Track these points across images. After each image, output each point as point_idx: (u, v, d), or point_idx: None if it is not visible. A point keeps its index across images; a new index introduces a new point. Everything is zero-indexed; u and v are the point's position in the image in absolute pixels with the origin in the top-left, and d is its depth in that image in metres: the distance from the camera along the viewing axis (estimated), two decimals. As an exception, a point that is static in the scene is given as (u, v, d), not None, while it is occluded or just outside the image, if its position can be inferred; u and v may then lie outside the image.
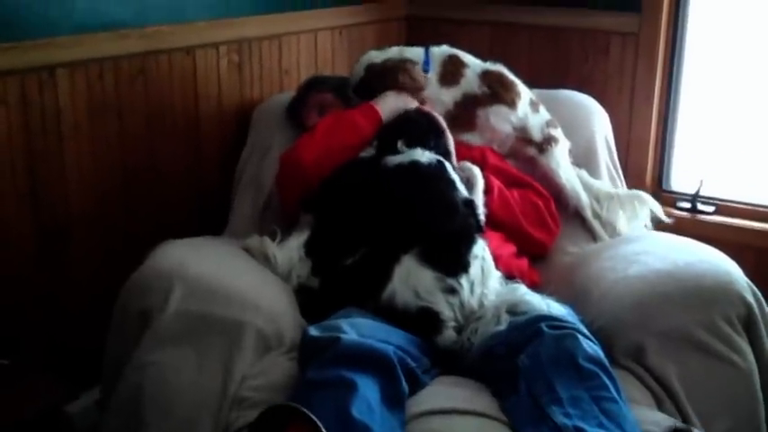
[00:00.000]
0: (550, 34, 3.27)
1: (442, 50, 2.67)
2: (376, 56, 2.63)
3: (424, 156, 2.24)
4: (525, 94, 2.68)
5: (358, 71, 2.62)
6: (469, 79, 2.63)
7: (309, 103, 2.65)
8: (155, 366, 1.86)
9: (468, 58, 2.68)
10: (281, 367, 1.91)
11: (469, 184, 2.35)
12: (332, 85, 2.69)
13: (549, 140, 2.65)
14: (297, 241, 2.28)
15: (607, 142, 2.87)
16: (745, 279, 2.05)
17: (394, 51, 2.64)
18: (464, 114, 2.54)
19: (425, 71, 2.61)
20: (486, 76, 2.64)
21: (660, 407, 1.90)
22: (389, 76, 2.54)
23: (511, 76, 2.69)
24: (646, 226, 2.68)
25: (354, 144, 2.40)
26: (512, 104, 2.63)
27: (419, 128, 2.37)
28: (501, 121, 2.62)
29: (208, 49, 2.74)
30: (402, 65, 2.57)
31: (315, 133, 2.43)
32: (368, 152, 2.38)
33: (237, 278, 2.07)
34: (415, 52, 2.64)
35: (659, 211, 2.70)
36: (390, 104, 2.48)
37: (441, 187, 2.20)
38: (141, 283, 2.01)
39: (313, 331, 1.83)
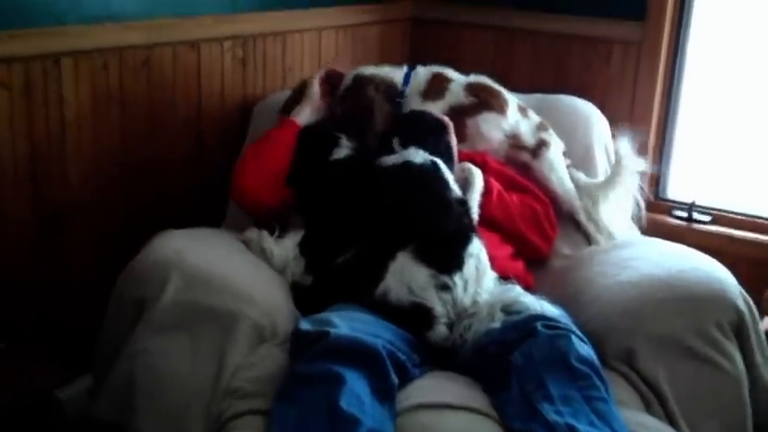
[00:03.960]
0: (553, 41, 3.28)
1: (427, 69, 2.68)
2: (365, 70, 2.66)
3: (418, 156, 2.25)
4: (512, 100, 2.69)
5: (346, 81, 2.65)
6: (454, 92, 2.63)
7: None
8: (148, 354, 1.87)
9: (452, 73, 2.69)
10: (274, 359, 1.91)
11: (467, 183, 2.37)
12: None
13: (541, 144, 2.65)
14: (293, 239, 2.30)
15: (606, 149, 2.87)
16: (738, 287, 2.07)
17: (385, 71, 2.67)
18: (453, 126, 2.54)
19: (405, 86, 2.63)
20: (471, 87, 2.65)
21: (649, 409, 1.91)
22: (361, 90, 2.58)
23: (495, 86, 2.70)
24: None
25: (282, 153, 2.45)
26: (501, 111, 2.64)
27: (415, 126, 2.39)
28: (492, 128, 2.62)
29: (212, 44, 2.76)
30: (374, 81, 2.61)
31: (245, 158, 2.50)
32: (340, 152, 2.40)
33: (234, 269, 2.08)
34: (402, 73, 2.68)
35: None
36: (306, 115, 2.57)
37: (434, 187, 2.20)
38: (138, 272, 2.03)
39: (303, 325, 1.85)
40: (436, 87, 2.63)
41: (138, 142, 2.61)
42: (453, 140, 2.45)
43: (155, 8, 2.56)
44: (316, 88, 2.63)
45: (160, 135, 2.67)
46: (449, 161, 2.33)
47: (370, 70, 2.66)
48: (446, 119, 2.49)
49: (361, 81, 2.61)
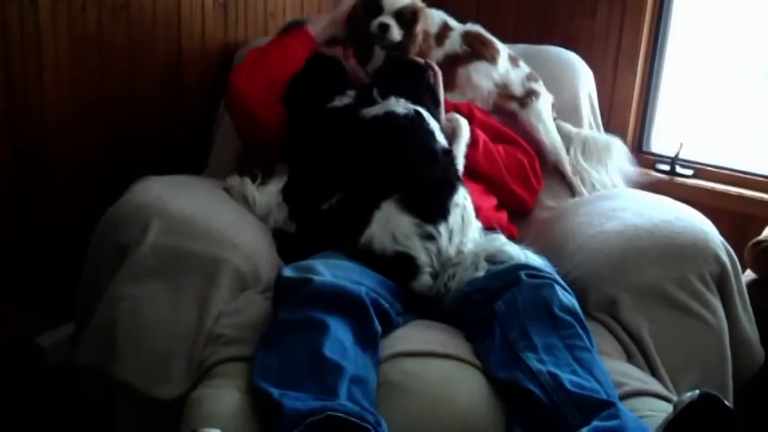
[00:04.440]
0: (539, -9, 3.26)
1: (439, 14, 2.66)
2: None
3: (400, 106, 2.22)
4: (503, 50, 2.70)
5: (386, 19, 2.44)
6: (453, 40, 2.63)
7: None
8: (130, 299, 1.85)
9: (452, 22, 2.68)
10: (256, 306, 1.91)
11: (454, 133, 2.35)
12: None
13: (530, 94, 2.66)
14: (276, 186, 2.29)
15: (591, 100, 2.88)
16: (720, 239, 2.07)
17: None
18: (445, 74, 2.51)
19: None
20: (466, 35, 2.65)
21: (630, 360, 1.92)
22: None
23: (488, 35, 2.69)
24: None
25: (288, 60, 2.41)
26: (492, 60, 2.64)
27: (392, 75, 2.36)
28: (483, 77, 2.63)
29: (193, -13, 2.71)
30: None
31: (245, 61, 2.46)
32: (342, 100, 2.38)
33: (216, 216, 2.06)
34: None
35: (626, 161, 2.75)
36: (322, 26, 2.53)
37: (419, 136, 2.18)
38: (119, 217, 2.01)
39: (287, 272, 1.83)
40: (442, 35, 2.61)
41: (117, 86, 2.57)
42: (440, 85, 2.43)
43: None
44: (346, 6, 2.54)
45: (140, 79, 2.63)
46: (433, 107, 2.31)
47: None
48: (425, 62, 2.45)
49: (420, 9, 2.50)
